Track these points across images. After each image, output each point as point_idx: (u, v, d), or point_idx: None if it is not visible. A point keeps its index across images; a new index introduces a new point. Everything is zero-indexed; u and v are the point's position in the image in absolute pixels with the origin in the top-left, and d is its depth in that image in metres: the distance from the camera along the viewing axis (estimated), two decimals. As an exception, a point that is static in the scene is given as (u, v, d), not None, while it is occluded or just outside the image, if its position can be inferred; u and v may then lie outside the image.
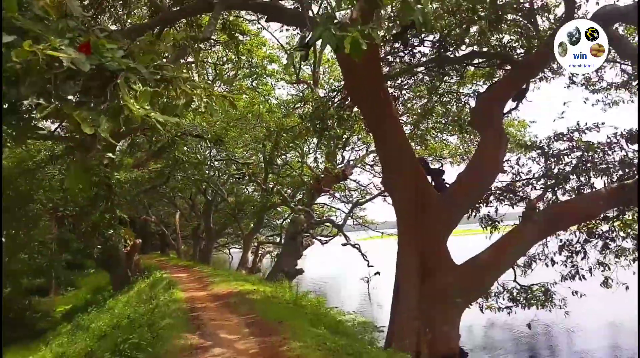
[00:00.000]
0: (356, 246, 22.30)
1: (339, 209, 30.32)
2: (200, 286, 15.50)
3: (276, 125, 18.50)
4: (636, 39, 11.76)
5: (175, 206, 37.60)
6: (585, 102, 14.66)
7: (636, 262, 11.88)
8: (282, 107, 22.95)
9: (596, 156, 11.53)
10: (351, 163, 26.00)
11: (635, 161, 10.94)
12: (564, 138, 11.99)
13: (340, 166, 24.81)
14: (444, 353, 9.84)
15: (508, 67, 12.49)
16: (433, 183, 11.89)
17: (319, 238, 28.16)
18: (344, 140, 21.89)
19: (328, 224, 26.70)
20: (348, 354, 6.44)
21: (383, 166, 11.78)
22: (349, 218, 25.54)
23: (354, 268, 29.85)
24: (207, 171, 25.99)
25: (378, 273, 22.65)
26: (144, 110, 2.82)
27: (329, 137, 15.82)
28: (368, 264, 21.74)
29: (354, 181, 29.51)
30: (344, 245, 23.37)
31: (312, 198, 25.27)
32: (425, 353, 9.61)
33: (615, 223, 11.96)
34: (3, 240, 17.68)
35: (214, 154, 25.41)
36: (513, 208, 12.53)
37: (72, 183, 14.34)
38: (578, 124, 11.59)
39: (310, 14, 11.53)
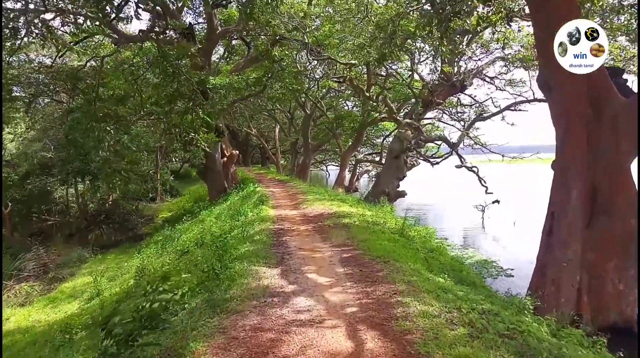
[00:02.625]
0: (473, 169, 19.04)
1: (452, 125, 26.59)
2: (292, 204, 13.86)
3: (394, 11, 15.01)
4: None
5: (275, 119, 36.64)
6: None
7: None
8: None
9: None
10: (470, 73, 21.87)
11: None
12: None
13: (456, 77, 20.92)
14: (614, 321, 6.99)
15: None
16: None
17: (426, 158, 25.02)
18: (470, 37, 17.90)
19: (438, 142, 23.38)
20: (500, 335, 4.01)
21: (543, 56, 8.34)
22: (465, 136, 21.83)
23: (463, 194, 26.57)
24: (305, 83, 23.64)
25: (497, 201, 19.38)
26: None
27: (454, 32, 12.43)
28: (487, 191, 18.52)
29: (469, 95, 25.33)
30: (458, 166, 20.12)
31: (422, 111, 21.96)
32: (588, 320, 6.86)
33: None
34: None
35: (314, 61, 22.76)
36: None
37: (154, 70, 12.86)
38: None
39: None
